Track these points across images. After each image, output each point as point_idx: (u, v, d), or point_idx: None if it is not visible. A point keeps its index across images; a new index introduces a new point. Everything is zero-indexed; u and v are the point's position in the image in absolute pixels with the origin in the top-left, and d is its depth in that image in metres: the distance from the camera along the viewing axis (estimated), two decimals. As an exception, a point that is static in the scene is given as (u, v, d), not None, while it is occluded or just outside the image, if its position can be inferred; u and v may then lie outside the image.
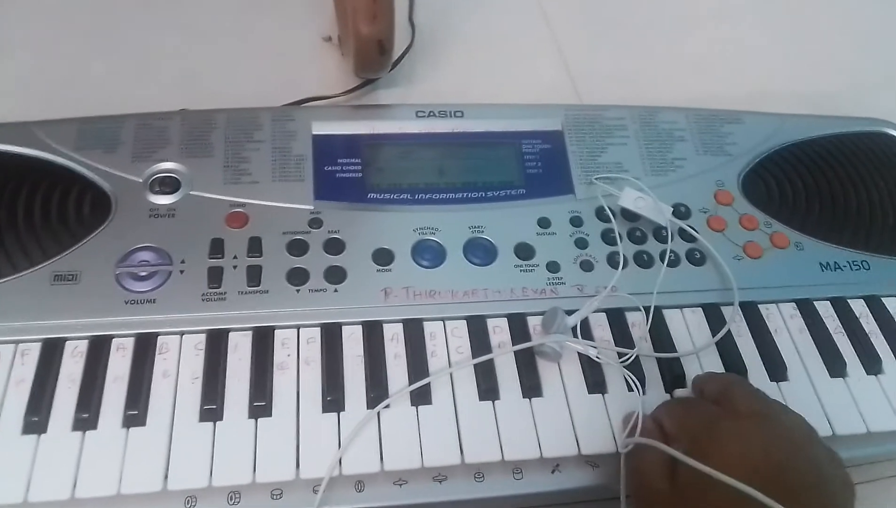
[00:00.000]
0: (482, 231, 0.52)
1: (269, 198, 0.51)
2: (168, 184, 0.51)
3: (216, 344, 0.45)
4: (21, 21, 0.69)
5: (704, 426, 0.40)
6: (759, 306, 0.51)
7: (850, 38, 0.80)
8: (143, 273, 0.47)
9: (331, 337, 0.46)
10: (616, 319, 0.50)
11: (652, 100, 0.62)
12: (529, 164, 0.56)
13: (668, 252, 0.52)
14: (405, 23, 0.72)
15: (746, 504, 0.34)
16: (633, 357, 0.47)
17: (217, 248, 0.49)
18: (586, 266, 0.51)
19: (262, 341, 0.46)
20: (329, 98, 0.64)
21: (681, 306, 0.51)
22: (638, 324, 0.49)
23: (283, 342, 0.46)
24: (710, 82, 0.72)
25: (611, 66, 0.73)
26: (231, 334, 0.46)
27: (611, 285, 0.50)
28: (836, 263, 0.54)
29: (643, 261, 0.52)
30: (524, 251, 0.51)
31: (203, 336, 0.46)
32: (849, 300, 0.53)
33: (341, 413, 0.44)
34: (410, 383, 0.45)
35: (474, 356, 0.46)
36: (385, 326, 0.47)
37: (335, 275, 0.49)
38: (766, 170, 0.58)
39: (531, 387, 0.46)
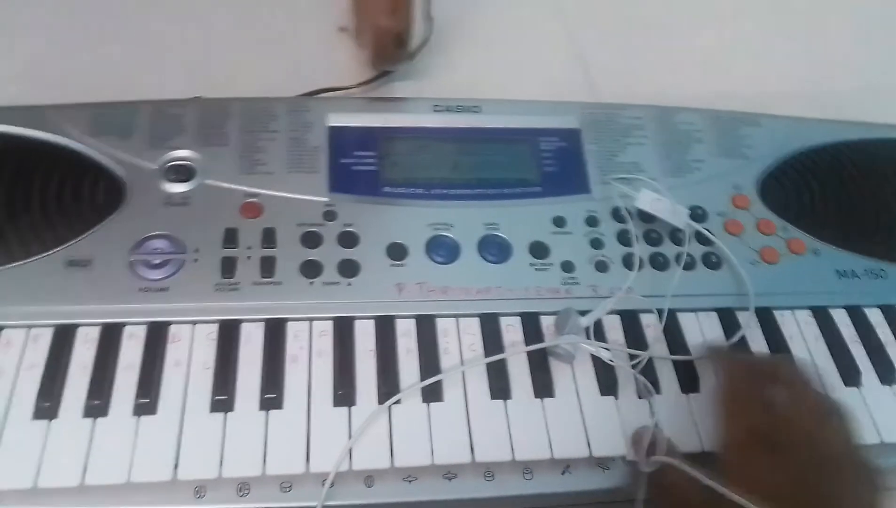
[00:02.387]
0: (497, 228, 0.52)
1: (283, 189, 0.51)
2: (182, 172, 0.51)
3: (228, 335, 0.45)
4: (37, 4, 0.69)
5: (752, 435, 0.40)
6: (774, 311, 0.51)
7: (870, 41, 0.79)
8: (157, 261, 0.47)
9: (343, 331, 0.46)
10: (630, 321, 0.49)
11: (668, 97, 0.62)
12: (546, 161, 0.55)
13: (683, 255, 0.52)
14: (422, 16, 0.71)
15: None
16: (645, 361, 0.47)
17: (231, 238, 0.48)
18: (601, 267, 0.51)
19: (275, 333, 0.46)
20: (344, 89, 0.63)
21: (695, 310, 0.50)
22: (652, 326, 0.49)
23: (296, 334, 0.46)
24: (726, 81, 0.71)
25: (627, 62, 0.73)
26: (243, 325, 0.46)
27: (626, 287, 0.50)
28: (852, 270, 0.54)
29: (658, 263, 0.52)
30: (539, 250, 0.51)
31: (215, 326, 0.45)
32: (865, 309, 0.52)
33: (352, 408, 0.43)
34: (422, 379, 0.45)
35: (487, 354, 0.46)
36: (398, 321, 0.47)
37: (349, 268, 0.48)
38: (784, 174, 0.58)
39: (543, 387, 0.45)
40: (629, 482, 0.44)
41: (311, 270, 0.48)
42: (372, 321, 0.47)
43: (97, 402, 0.42)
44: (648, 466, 0.41)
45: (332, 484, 0.41)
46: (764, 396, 0.41)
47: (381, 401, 0.44)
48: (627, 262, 0.51)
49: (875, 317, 0.52)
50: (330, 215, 0.50)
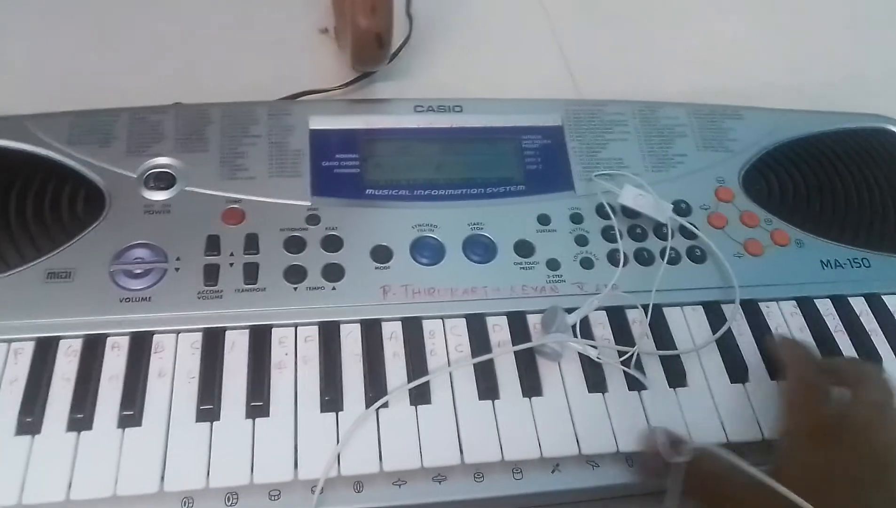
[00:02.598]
0: (481, 228, 0.51)
1: (265, 194, 0.50)
2: (163, 179, 0.50)
3: (213, 343, 0.45)
4: (14, 12, 0.68)
5: (816, 426, 0.40)
6: (759, 303, 0.51)
7: (851, 32, 0.80)
8: (138, 271, 0.46)
9: (329, 336, 0.46)
10: (616, 317, 0.49)
11: (651, 93, 0.62)
12: (529, 159, 0.55)
13: (668, 250, 0.52)
14: (402, 15, 0.71)
15: None
16: (633, 356, 0.47)
17: (213, 245, 0.48)
18: (586, 264, 0.51)
19: (260, 339, 0.45)
20: (325, 91, 0.63)
21: (681, 304, 0.50)
22: (639, 322, 0.49)
23: (281, 340, 0.45)
24: (709, 76, 0.71)
25: (609, 59, 0.73)
26: (228, 332, 0.45)
27: (611, 284, 0.50)
28: (836, 260, 0.54)
29: (643, 258, 0.52)
30: (524, 248, 0.51)
31: (199, 335, 0.45)
32: (849, 298, 0.53)
33: (340, 413, 0.43)
34: (409, 382, 0.44)
35: (474, 354, 0.46)
36: (384, 324, 0.47)
37: (333, 273, 0.48)
38: (766, 166, 0.58)
39: (531, 386, 0.45)
40: (633, 479, 0.44)
41: (295, 275, 0.48)
42: (358, 325, 0.47)
43: (81, 415, 0.41)
44: (683, 455, 0.40)
45: (322, 491, 0.41)
46: (832, 393, 0.42)
47: (368, 405, 0.44)
48: (612, 258, 0.51)
49: (859, 306, 0.52)
50: (313, 219, 0.50)
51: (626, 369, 0.46)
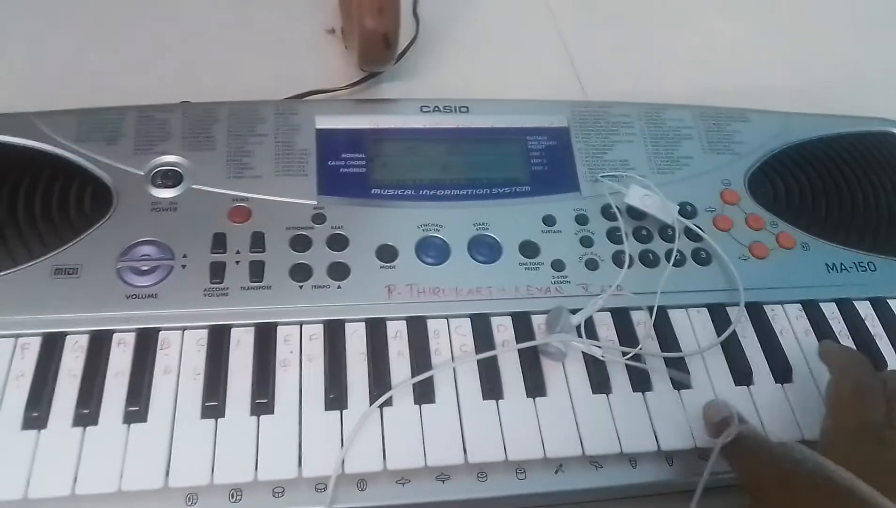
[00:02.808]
0: (487, 228, 0.51)
1: (271, 193, 0.51)
2: (170, 177, 0.51)
3: (218, 340, 0.45)
4: (22, 11, 0.68)
5: (862, 426, 0.40)
6: (764, 306, 0.51)
7: (852, 33, 0.80)
8: (145, 267, 0.47)
9: (334, 334, 0.46)
10: (621, 318, 0.49)
11: (657, 95, 0.62)
12: (535, 160, 0.55)
13: (674, 251, 0.52)
14: (409, 15, 0.71)
15: None
16: (640, 358, 0.47)
17: (219, 243, 0.48)
18: (591, 265, 0.51)
19: (265, 337, 0.45)
20: (332, 91, 0.63)
21: (686, 306, 0.50)
22: (643, 323, 0.49)
23: (286, 338, 0.46)
24: (714, 78, 0.72)
25: (615, 60, 0.73)
26: (233, 330, 0.45)
27: (616, 285, 0.50)
28: (842, 264, 0.54)
29: (649, 260, 0.52)
30: (529, 249, 0.51)
31: (205, 332, 0.45)
32: (854, 302, 0.52)
33: (344, 411, 0.43)
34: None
35: (478, 354, 0.46)
36: (388, 323, 0.47)
37: (338, 271, 0.48)
38: (772, 169, 0.58)
39: (535, 387, 0.45)
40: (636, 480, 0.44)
41: (300, 273, 0.48)
42: (362, 324, 0.47)
43: (86, 411, 0.41)
44: (728, 436, 0.40)
45: (329, 489, 0.41)
46: (881, 400, 0.41)
47: (372, 404, 0.44)
48: (617, 259, 0.51)
49: (864, 310, 0.52)
50: (319, 218, 0.50)
51: (633, 362, 0.46)
